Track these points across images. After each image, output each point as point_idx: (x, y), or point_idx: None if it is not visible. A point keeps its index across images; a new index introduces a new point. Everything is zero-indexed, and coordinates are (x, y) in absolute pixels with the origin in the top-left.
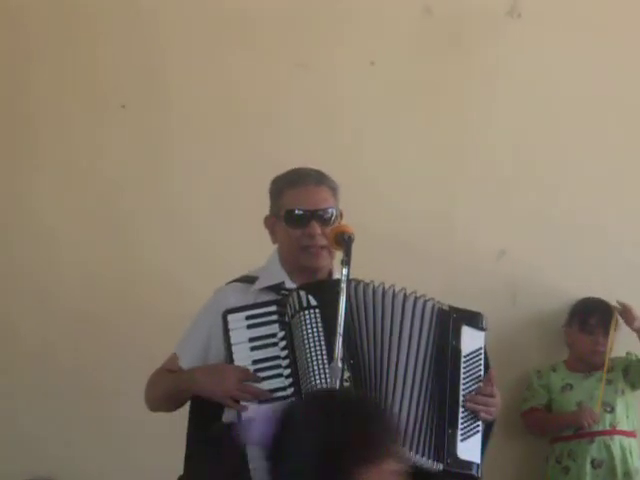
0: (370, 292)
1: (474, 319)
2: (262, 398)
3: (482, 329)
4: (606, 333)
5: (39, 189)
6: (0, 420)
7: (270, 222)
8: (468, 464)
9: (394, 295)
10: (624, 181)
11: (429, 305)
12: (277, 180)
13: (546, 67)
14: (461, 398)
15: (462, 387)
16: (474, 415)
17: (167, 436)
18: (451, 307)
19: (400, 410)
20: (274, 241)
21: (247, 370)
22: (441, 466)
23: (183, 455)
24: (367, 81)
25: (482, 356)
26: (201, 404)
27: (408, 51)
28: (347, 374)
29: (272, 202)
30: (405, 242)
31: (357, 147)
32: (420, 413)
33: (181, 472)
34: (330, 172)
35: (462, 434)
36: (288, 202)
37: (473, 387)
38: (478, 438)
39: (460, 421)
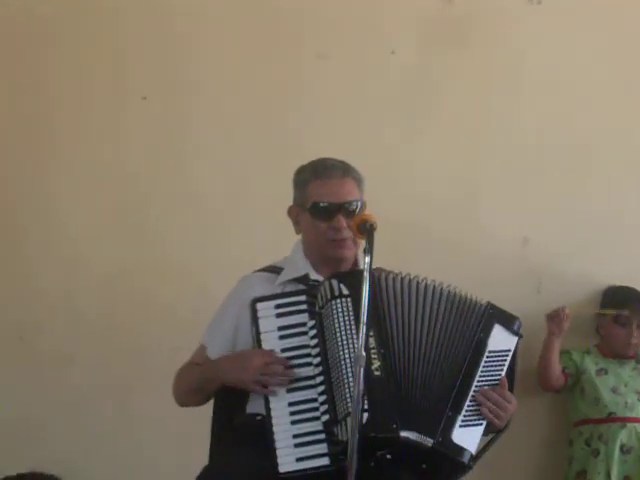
0: (399, 283)
1: (509, 320)
2: (289, 378)
3: (515, 333)
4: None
5: (59, 182)
6: (18, 416)
7: (294, 212)
8: (460, 449)
9: (426, 287)
10: None
11: (462, 296)
12: (302, 170)
13: (568, 53)
14: (473, 388)
15: (477, 378)
16: (479, 412)
17: (187, 433)
18: (490, 303)
19: (431, 401)
20: (297, 231)
21: (272, 353)
22: (430, 442)
23: (200, 451)
24: (388, 70)
25: (507, 359)
26: (225, 397)
27: (429, 40)
28: (378, 363)
29: (297, 193)
30: (428, 230)
31: (378, 136)
32: (429, 393)
33: (197, 471)
34: (351, 161)
35: (463, 421)
36: (314, 194)
37: (490, 384)
38: (479, 431)
39: (465, 408)
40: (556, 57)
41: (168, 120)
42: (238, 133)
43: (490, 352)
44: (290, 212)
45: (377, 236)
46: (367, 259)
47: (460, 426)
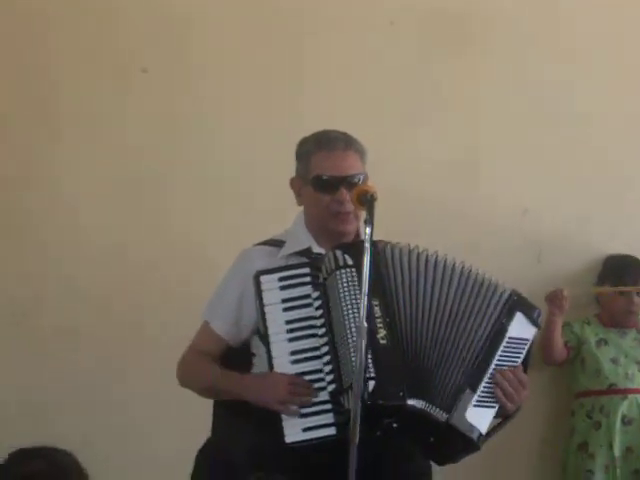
0: (406, 255)
1: (531, 310)
2: (311, 400)
3: (535, 323)
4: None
5: (61, 157)
6: (29, 396)
7: (297, 184)
8: (471, 427)
9: (436, 261)
10: None
11: (492, 286)
12: (304, 142)
13: (568, 22)
14: (490, 369)
15: (495, 361)
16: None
17: (190, 405)
18: (514, 290)
19: (440, 372)
20: (299, 203)
21: (295, 377)
22: (446, 416)
23: (203, 424)
24: (387, 41)
25: (525, 349)
26: (227, 368)
27: (428, 10)
28: (383, 332)
29: (299, 165)
30: (428, 199)
31: (378, 105)
32: (446, 369)
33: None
34: (352, 131)
35: (478, 401)
36: (316, 167)
37: (506, 368)
38: (491, 413)
39: (481, 388)
40: (556, 25)
41: (169, 91)
42: (241, 104)
43: (510, 338)
44: (292, 184)
45: (378, 207)
46: (368, 230)
47: (474, 405)
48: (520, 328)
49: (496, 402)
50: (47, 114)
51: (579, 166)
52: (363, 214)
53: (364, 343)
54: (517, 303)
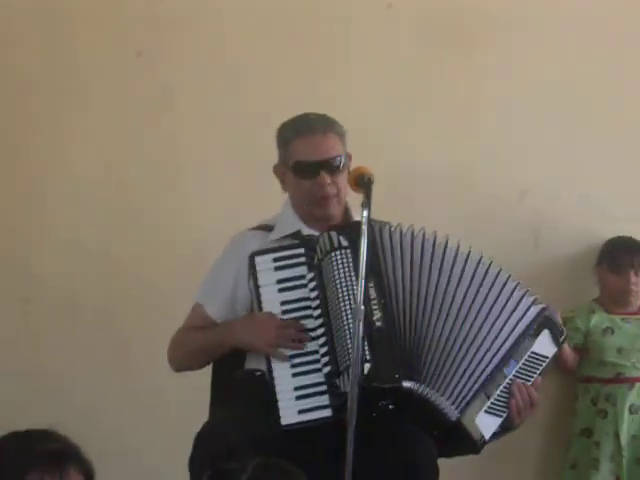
0: (404, 236)
1: (557, 330)
2: (303, 342)
3: (558, 344)
4: (637, 272)
5: (63, 140)
6: (26, 373)
7: (280, 171)
8: (478, 431)
9: (434, 243)
10: None
11: (525, 298)
12: (284, 128)
13: (567, 6)
14: (507, 380)
15: (514, 372)
16: (506, 403)
17: (190, 388)
18: (547, 307)
19: (436, 356)
20: (284, 190)
21: (285, 320)
22: (457, 415)
23: (201, 407)
24: (384, 23)
25: (544, 365)
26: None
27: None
28: (379, 314)
29: (280, 151)
30: (426, 179)
31: (375, 89)
32: (471, 367)
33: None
34: (347, 116)
35: (489, 408)
36: (296, 152)
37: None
38: (498, 421)
39: (494, 397)
40: (556, 10)
41: (163, 75)
42: (232, 90)
43: (533, 353)
44: (276, 171)
45: (376, 192)
46: (365, 213)
47: (485, 411)
48: (543, 345)
49: (505, 412)
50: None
51: (577, 149)
52: (356, 198)
53: (361, 325)
54: (548, 320)
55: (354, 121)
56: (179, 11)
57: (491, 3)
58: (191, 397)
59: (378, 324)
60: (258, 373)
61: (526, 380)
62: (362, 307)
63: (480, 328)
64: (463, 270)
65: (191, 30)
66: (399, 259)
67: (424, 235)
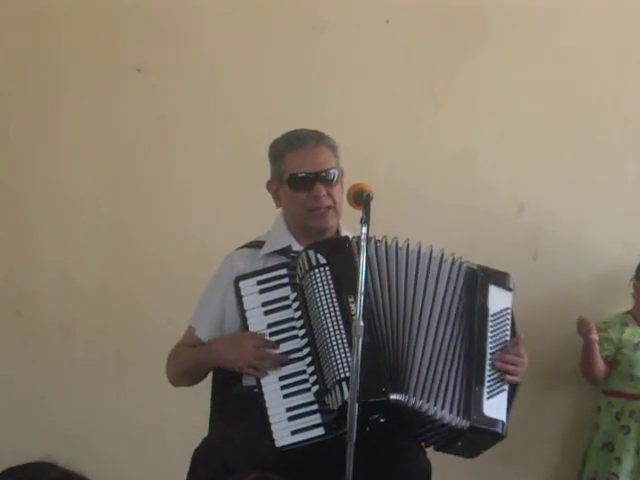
0: (383, 249)
1: (501, 279)
2: (279, 363)
3: (509, 289)
4: None
5: (59, 156)
6: (26, 391)
7: (273, 187)
8: (494, 421)
9: (407, 251)
10: None
11: (456, 264)
12: (276, 144)
13: (566, 20)
14: (488, 356)
15: (489, 346)
16: (501, 374)
17: (189, 404)
18: (479, 266)
19: (423, 366)
20: (278, 205)
21: (262, 337)
22: (468, 423)
23: (200, 422)
24: (382, 40)
25: (509, 317)
26: (223, 370)
27: (422, 9)
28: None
29: (273, 166)
30: (425, 196)
31: (374, 104)
32: (447, 371)
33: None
34: (347, 129)
35: (488, 392)
36: (290, 166)
37: (500, 346)
38: (504, 397)
39: (487, 379)
40: (553, 24)
41: (163, 92)
42: (234, 102)
43: (493, 315)
44: (269, 186)
45: (376, 203)
46: (364, 229)
47: (488, 398)
48: (497, 300)
49: (504, 385)
50: (43, 111)
51: (577, 163)
52: (345, 212)
53: (360, 341)
54: (487, 278)
55: (350, 136)
56: (178, 27)
57: (489, 18)
58: (190, 416)
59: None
60: (255, 390)
61: (505, 343)
62: (361, 323)
63: (459, 333)
64: (439, 275)
65: (189, 45)
66: (385, 272)
67: (408, 247)
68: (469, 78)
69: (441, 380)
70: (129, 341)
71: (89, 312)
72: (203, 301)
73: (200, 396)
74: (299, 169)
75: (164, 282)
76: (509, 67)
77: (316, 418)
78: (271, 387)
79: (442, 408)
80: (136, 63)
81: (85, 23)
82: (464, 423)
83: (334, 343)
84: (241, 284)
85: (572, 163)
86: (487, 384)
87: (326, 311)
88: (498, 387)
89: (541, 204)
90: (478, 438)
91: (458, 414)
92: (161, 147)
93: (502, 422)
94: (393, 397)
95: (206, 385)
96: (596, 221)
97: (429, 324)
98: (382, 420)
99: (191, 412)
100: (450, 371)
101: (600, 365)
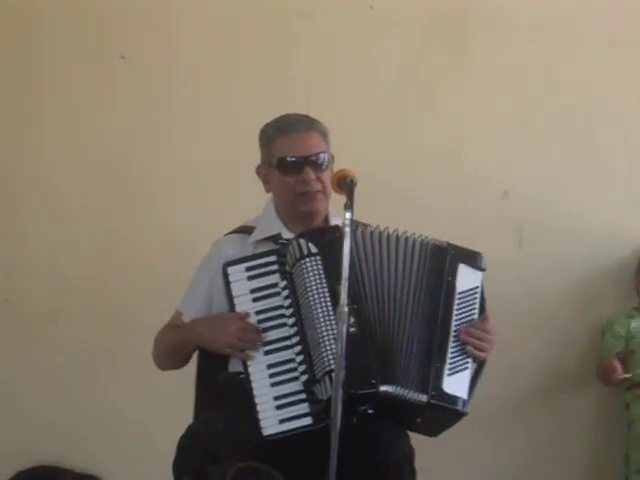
0: (368, 236)
1: (472, 258)
2: (260, 344)
3: (480, 269)
4: None
5: (45, 146)
6: (13, 382)
7: (262, 171)
8: (453, 398)
9: (389, 236)
10: (634, 117)
11: (424, 242)
12: (266, 128)
13: (553, 6)
14: (452, 333)
15: (454, 323)
16: (464, 351)
17: (176, 395)
18: (450, 244)
19: (403, 352)
20: (267, 190)
21: (245, 317)
22: (425, 398)
23: (187, 410)
24: (367, 25)
25: (477, 296)
26: (208, 356)
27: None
28: (352, 320)
29: (263, 151)
30: (410, 185)
31: (360, 91)
32: (410, 347)
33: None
34: (334, 118)
35: (450, 369)
36: (280, 150)
37: (465, 324)
38: (467, 374)
39: (449, 356)
40: (541, 10)
41: (148, 79)
42: (221, 91)
43: (460, 293)
44: (258, 171)
45: (358, 189)
46: (348, 215)
47: (448, 375)
48: (467, 279)
49: (468, 362)
50: (29, 101)
51: (560, 149)
52: (334, 197)
53: (344, 328)
54: (456, 256)
55: (338, 121)
56: (163, 14)
57: (477, 10)
58: (178, 408)
59: (352, 330)
60: (242, 376)
61: (470, 319)
62: (346, 309)
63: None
64: (424, 263)
65: (177, 36)
66: (370, 261)
67: (397, 236)
68: (457, 64)
69: (405, 358)
70: (117, 333)
71: (77, 303)
72: (191, 286)
73: (190, 387)
74: (289, 153)
75: (153, 274)
76: (496, 55)
77: (304, 407)
78: (259, 375)
79: (401, 386)
80: (120, 50)
81: (69, 12)
82: (421, 398)
83: (324, 334)
84: (229, 270)
85: (555, 148)
86: (449, 361)
87: (317, 301)
88: (461, 364)
89: (526, 191)
90: (437, 415)
91: (414, 389)
92: (148, 135)
93: (462, 399)
94: (383, 388)
95: (194, 371)
96: (580, 207)
97: (401, 304)
98: (370, 411)
99: (180, 404)
100: (412, 349)
101: (616, 364)
